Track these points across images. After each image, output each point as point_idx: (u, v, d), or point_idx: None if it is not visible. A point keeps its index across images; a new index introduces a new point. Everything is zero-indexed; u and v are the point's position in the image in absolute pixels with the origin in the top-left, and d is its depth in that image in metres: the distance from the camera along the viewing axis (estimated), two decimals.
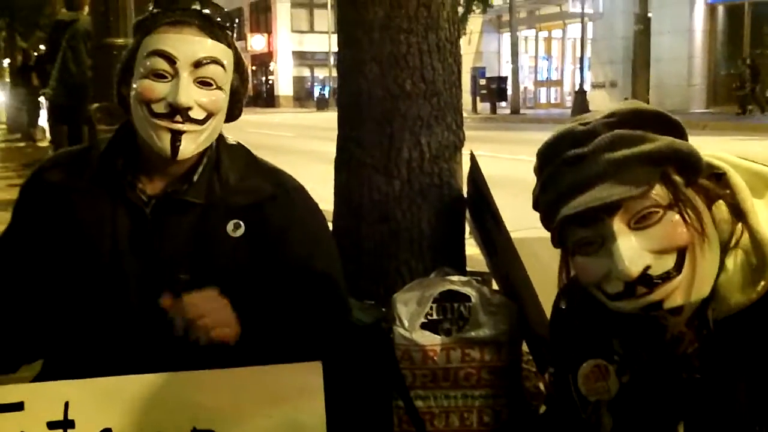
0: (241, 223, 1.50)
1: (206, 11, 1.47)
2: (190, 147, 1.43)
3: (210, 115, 1.43)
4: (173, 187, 1.50)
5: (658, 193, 1.05)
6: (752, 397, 1.08)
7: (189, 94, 1.40)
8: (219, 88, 1.45)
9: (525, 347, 2.14)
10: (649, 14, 22.18)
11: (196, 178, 1.50)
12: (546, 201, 1.13)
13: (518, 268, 1.94)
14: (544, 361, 1.98)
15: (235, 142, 1.61)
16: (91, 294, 1.47)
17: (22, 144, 14.35)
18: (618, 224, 1.05)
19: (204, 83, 1.43)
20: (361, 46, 2.15)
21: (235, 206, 1.50)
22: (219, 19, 1.48)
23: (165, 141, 1.40)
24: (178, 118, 1.40)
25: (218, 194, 1.50)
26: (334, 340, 1.58)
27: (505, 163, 9.44)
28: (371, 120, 2.17)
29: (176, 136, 1.41)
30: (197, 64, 1.42)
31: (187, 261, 1.47)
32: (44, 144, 12.64)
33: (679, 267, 1.04)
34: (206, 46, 1.44)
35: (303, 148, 12.71)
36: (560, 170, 1.10)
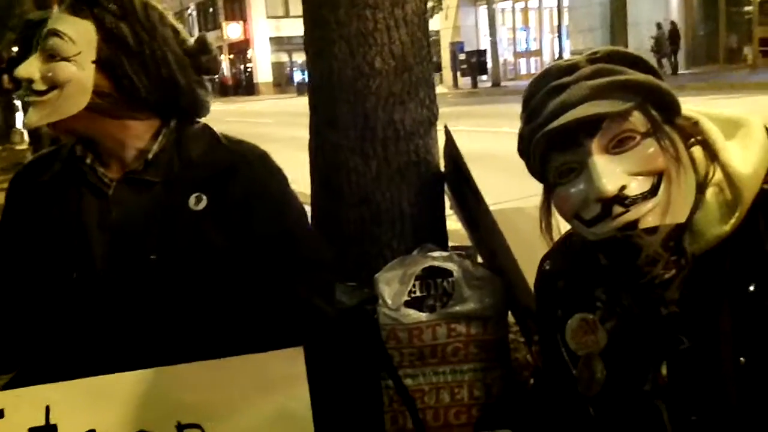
0: (203, 196, 1.49)
1: None
2: (33, 117, 1.46)
3: (52, 87, 1.44)
4: (131, 167, 1.52)
5: (637, 119, 1.10)
6: (733, 328, 1.10)
7: (28, 67, 1.45)
8: (65, 59, 1.44)
9: (513, 319, 2.14)
10: None
11: (150, 156, 1.51)
12: (530, 129, 1.17)
13: (499, 240, 1.93)
14: (530, 332, 1.98)
15: (201, 124, 1.60)
16: (63, 282, 1.48)
17: None
18: (596, 146, 1.10)
19: (50, 56, 1.45)
20: (329, 25, 2.11)
21: (196, 180, 1.50)
22: None
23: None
24: (21, 91, 1.47)
25: (178, 171, 1.51)
26: (318, 313, 1.55)
27: (487, 137, 9.44)
28: (343, 101, 2.14)
29: (25, 107, 1.49)
30: (44, 38, 1.46)
31: (153, 240, 1.47)
32: (23, 146, 12.53)
33: (654, 190, 1.09)
34: (53, 20, 1.47)
35: (285, 135, 12.66)
36: (544, 99, 1.15)
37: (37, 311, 1.51)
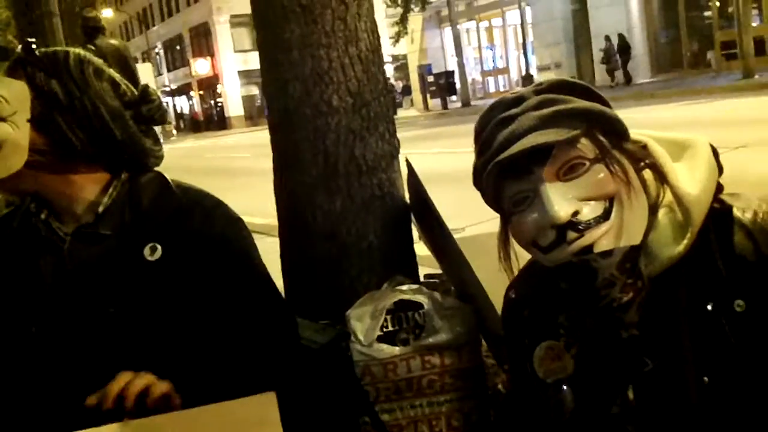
0: (158, 245, 1.49)
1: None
2: None
3: None
4: (83, 221, 1.52)
5: (585, 145, 1.12)
6: (694, 348, 1.11)
7: None
8: (1, 119, 1.46)
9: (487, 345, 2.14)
10: None
11: (101, 209, 1.52)
12: (483, 161, 1.19)
13: (467, 269, 1.93)
14: (503, 359, 1.98)
15: (153, 173, 1.60)
16: (22, 337, 1.48)
17: None
18: (547, 173, 1.11)
19: None
20: (282, 66, 2.13)
21: (148, 229, 1.50)
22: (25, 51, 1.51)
23: None
24: None
25: (129, 221, 1.51)
26: (285, 356, 1.54)
27: (461, 158, 9.45)
28: (303, 139, 2.15)
29: None
30: None
31: (110, 293, 1.46)
32: None
33: (607, 214, 1.10)
34: None
35: (261, 167, 12.61)
36: (493, 131, 1.18)
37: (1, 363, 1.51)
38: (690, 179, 1.15)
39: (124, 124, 1.52)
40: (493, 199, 1.21)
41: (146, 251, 1.48)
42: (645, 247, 1.13)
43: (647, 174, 1.17)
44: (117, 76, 1.58)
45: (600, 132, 1.14)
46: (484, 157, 1.19)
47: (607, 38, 22.19)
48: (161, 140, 1.69)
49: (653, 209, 1.15)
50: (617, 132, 1.17)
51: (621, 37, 22.04)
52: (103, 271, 1.48)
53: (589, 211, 1.10)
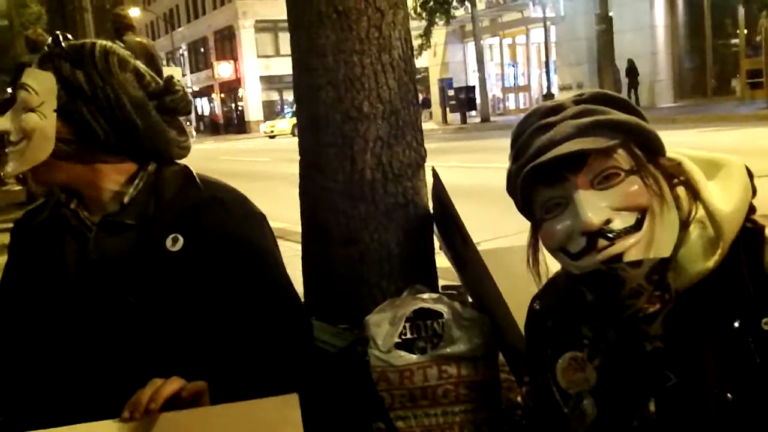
0: (179, 236, 1.51)
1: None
2: (9, 167, 1.55)
3: (23, 137, 1.51)
4: (109, 211, 1.56)
5: (621, 156, 1.14)
6: (718, 365, 1.11)
7: (4, 120, 1.54)
8: (31, 110, 1.51)
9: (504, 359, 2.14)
10: (610, 13, 22.43)
11: (126, 199, 1.55)
12: (518, 167, 1.20)
13: (488, 281, 1.94)
14: (520, 373, 1.98)
15: (179, 166, 1.63)
16: (47, 325, 1.51)
17: None
18: (582, 181, 1.13)
19: (22, 108, 1.53)
20: (316, 71, 2.14)
21: (171, 221, 1.52)
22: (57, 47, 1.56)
23: None
24: (4, 143, 1.56)
25: (153, 212, 1.54)
26: (297, 357, 1.55)
27: (477, 172, 9.48)
28: (331, 144, 2.17)
29: (3, 159, 1.60)
30: (18, 91, 1.55)
31: (131, 283, 1.49)
32: (18, 187, 12.51)
33: (638, 225, 1.12)
34: (24, 75, 1.55)
35: (279, 172, 12.66)
36: (531, 137, 1.19)
37: (23, 354, 1.54)
38: (723, 197, 1.16)
39: (147, 114, 1.55)
40: (524, 204, 1.23)
41: (168, 242, 1.51)
42: (674, 262, 1.14)
43: (680, 190, 1.19)
44: (142, 67, 1.61)
45: (636, 145, 1.16)
46: (519, 162, 1.20)
47: (630, 62, 22.31)
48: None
49: (685, 225, 1.16)
50: (653, 147, 1.19)
51: (630, 62, 22.26)
52: (125, 260, 1.50)
53: (621, 221, 1.11)
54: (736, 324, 1.11)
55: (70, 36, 1.60)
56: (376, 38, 2.14)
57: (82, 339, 1.49)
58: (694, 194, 1.18)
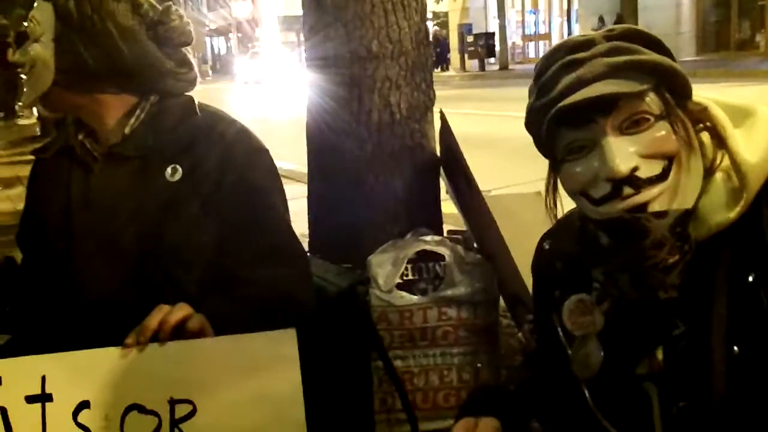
0: (178, 166, 1.52)
1: None
2: (23, 96, 1.62)
3: (31, 67, 1.55)
4: (112, 142, 1.57)
5: (652, 100, 1.09)
6: (729, 317, 1.09)
7: (17, 53, 1.59)
8: (36, 40, 1.55)
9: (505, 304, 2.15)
10: None
11: (127, 131, 1.56)
12: (542, 104, 1.15)
13: (492, 227, 1.94)
14: (520, 318, 1.99)
15: (183, 97, 1.62)
16: (52, 253, 1.55)
17: (4, 122, 14.26)
18: (611, 125, 1.08)
19: (31, 40, 1.56)
20: (325, 8, 2.12)
21: (170, 151, 1.53)
22: None
23: None
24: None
25: (153, 143, 1.54)
26: (294, 293, 1.53)
27: (493, 120, 9.41)
28: (339, 84, 2.15)
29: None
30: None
31: (133, 213, 1.50)
32: (30, 121, 12.54)
33: (665, 174, 1.08)
34: (34, 8, 1.58)
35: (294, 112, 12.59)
36: (558, 74, 1.13)
37: (33, 279, 1.59)
38: (749, 147, 1.12)
39: (135, 43, 1.54)
40: (545, 143, 1.18)
41: (168, 172, 1.51)
42: (695, 211, 1.11)
43: (704, 136, 1.15)
44: None
45: (665, 89, 1.12)
46: (543, 99, 1.15)
47: (601, 19, 21.75)
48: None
49: (708, 173, 1.13)
50: (682, 90, 1.14)
51: (618, 16, 21.49)
52: (127, 191, 1.52)
53: (648, 169, 1.08)
54: (751, 278, 1.08)
55: None
56: None
57: (86, 266, 1.51)
58: (720, 142, 1.13)
